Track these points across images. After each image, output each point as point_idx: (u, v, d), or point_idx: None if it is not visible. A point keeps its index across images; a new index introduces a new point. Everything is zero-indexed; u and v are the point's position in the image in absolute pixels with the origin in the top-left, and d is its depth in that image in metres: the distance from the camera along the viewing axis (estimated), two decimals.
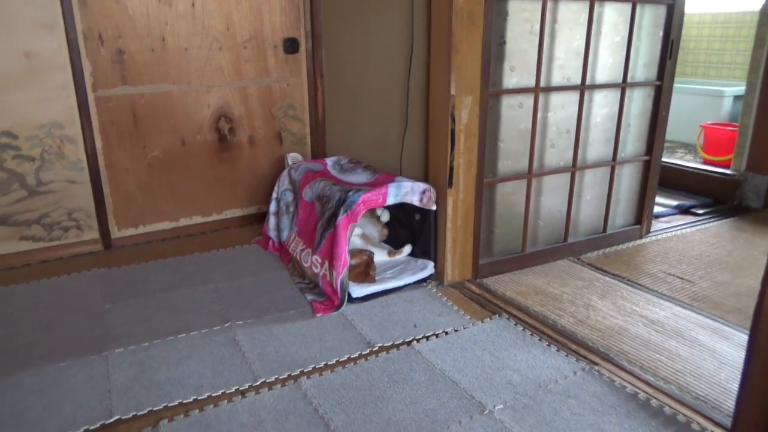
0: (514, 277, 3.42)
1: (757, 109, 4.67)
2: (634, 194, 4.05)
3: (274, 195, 3.87)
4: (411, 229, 3.50)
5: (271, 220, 3.87)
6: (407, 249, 3.49)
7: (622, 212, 4.04)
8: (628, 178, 4.00)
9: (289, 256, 3.53)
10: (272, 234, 3.83)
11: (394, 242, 3.65)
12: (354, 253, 3.32)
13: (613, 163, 3.84)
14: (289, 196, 3.78)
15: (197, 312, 2.99)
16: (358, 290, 3.18)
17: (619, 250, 3.84)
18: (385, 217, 3.60)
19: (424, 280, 3.35)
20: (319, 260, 3.20)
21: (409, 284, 3.30)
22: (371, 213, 3.57)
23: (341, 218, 3.06)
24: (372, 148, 3.81)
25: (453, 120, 3.08)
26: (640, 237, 4.06)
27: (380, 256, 3.48)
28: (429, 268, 3.38)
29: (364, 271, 3.28)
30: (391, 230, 3.64)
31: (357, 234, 3.52)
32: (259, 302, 3.09)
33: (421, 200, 3.21)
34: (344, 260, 3.05)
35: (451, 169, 3.15)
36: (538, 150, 3.46)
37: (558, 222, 3.69)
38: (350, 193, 3.15)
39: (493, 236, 3.48)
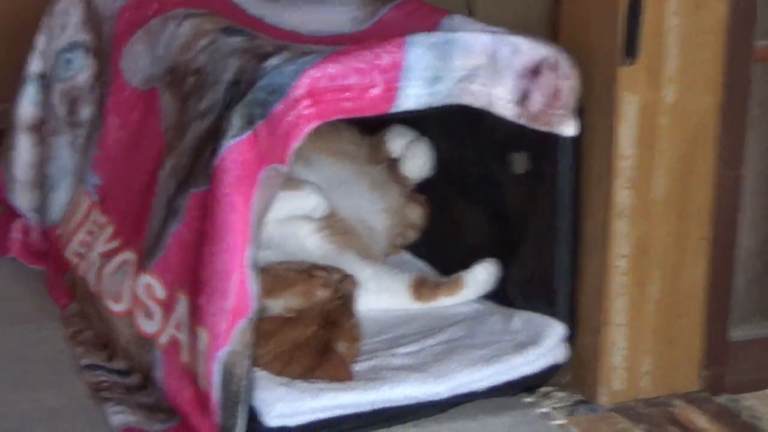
0: None
1: None
2: None
3: (35, 66, 1.69)
4: (496, 208, 1.48)
5: (21, 152, 1.70)
6: (482, 276, 1.43)
7: None
8: None
9: (68, 273, 1.54)
10: (22, 201, 1.72)
11: (439, 251, 1.59)
12: (284, 276, 1.31)
13: None
14: (83, 69, 1.61)
15: None
16: (290, 405, 1.19)
17: None
18: (415, 158, 1.56)
19: (530, 381, 1.32)
20: (161, 290, 1.28)
21: (481, 391, 1.29)
22: (357, 140, 1.58)
23: (234, 144, 1.16)
24: None
25: None
26: None
27: (387, 296, 1.45)
28: (549, 345, 1.32)
29: (318, 343, 1.29)
30: (436, 209, 1.60)
31: (302, 211, 1.42)
32: None
33: (522, 98, 1.24)
34: (240, 296, 1.15)
35: None
36: None
37: None
38: (275, 61, 1.21)
39: None
